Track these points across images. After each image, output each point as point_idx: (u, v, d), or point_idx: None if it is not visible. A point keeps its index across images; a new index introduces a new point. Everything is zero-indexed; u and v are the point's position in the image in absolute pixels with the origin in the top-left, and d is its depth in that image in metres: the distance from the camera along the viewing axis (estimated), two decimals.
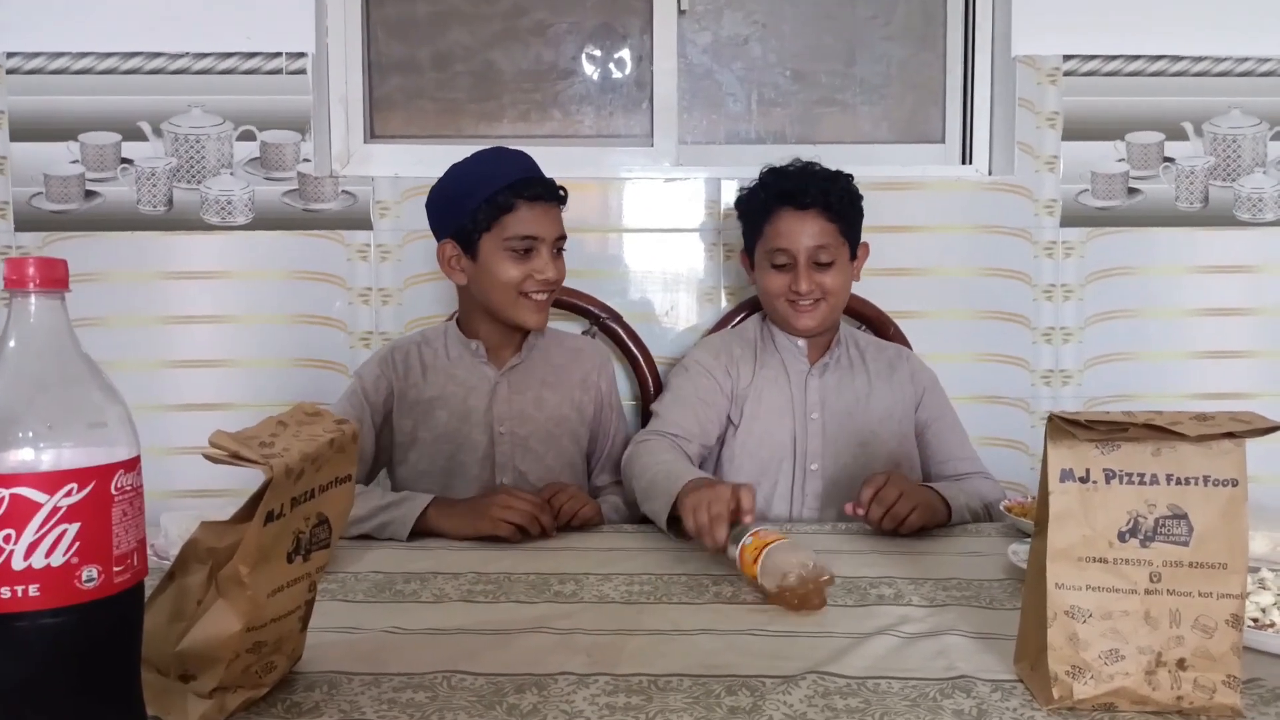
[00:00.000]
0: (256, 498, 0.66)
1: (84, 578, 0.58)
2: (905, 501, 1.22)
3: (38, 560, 0.57)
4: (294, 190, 1.81)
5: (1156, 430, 0.70)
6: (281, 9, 1.78)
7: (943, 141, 1.97)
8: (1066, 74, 1.83)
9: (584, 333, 1.77)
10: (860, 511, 1.23)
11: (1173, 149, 1.85)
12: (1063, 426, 0.72)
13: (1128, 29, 1.82)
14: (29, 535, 0.56)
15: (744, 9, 1.97)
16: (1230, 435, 0.71)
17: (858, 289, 1.60)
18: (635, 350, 1.79)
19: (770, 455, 1.49)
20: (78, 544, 0.58)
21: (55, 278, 0.60)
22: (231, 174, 1.80)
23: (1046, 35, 1.83)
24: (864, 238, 1.56)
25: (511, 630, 0.90)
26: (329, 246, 1.82)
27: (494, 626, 0.91)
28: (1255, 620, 0.85)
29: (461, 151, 1.45)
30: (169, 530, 1.13)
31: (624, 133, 1.97)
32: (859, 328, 1.73)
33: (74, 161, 1.79)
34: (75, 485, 0.58)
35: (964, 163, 1.95)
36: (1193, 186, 1.85)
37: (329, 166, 1.85)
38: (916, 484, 1.31)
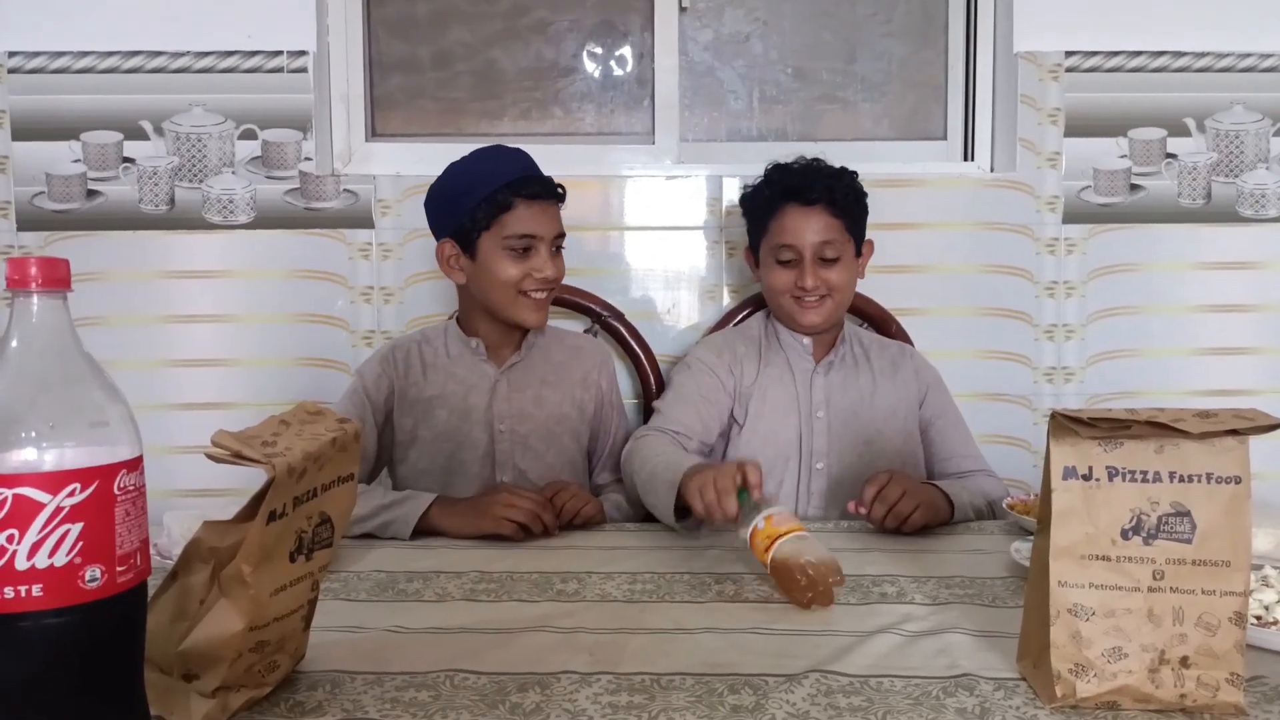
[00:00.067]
0: (259, 497, 0.66)
1: (87, 577, 0.58)
2: (908, 500, 1.22)
3: (41, 560, 0.57)
4: (295, 189, 1.81)
5: (1159, 427, 0.70)
6: (282, 8, 1.78)
7: (944, 138, 1.97)
8: (1068, 70, 1.83)
9: (586, 331, 1.77)
10: (863, 510, 1.23)
11: (1175, 145, 1.84)
12: (1065, 424, 0.72)
13: (1130, 25, 1.82)
14: (32, 535, 0.56)
15: (745, 6, 1.97)
16: (1233, 432, 0.70)
17: (860, 286, 1.60)
18: (637, 348, 1.79)
19: (775, 454, 1.49)
20: (81, 544, 0.58)
21: (57, 277, 0.60)
22: (233, 173, 1.80)
23: (1048, 31, 1.82)
24: (867, 235, 1.56)
25: (514, 629, 0.90)
26: (330, 245, 1.82)
27: (497, 625, 0.91)
28: (1259, 618, 0.85)
29: (463, 150, 1.45)
30: (172, 529, 1.13)
31: (625, 130, 1.97)
32: (861, 325, 1.73)
33: (76, 161, 1.79)
34: (78, 485, 0.58)
35: (966, 159, 1.95)
36: (1195, 183, 1.85)
37: (330, 165, 1.85)
38: (919, 482, 1.31)
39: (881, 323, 1.77)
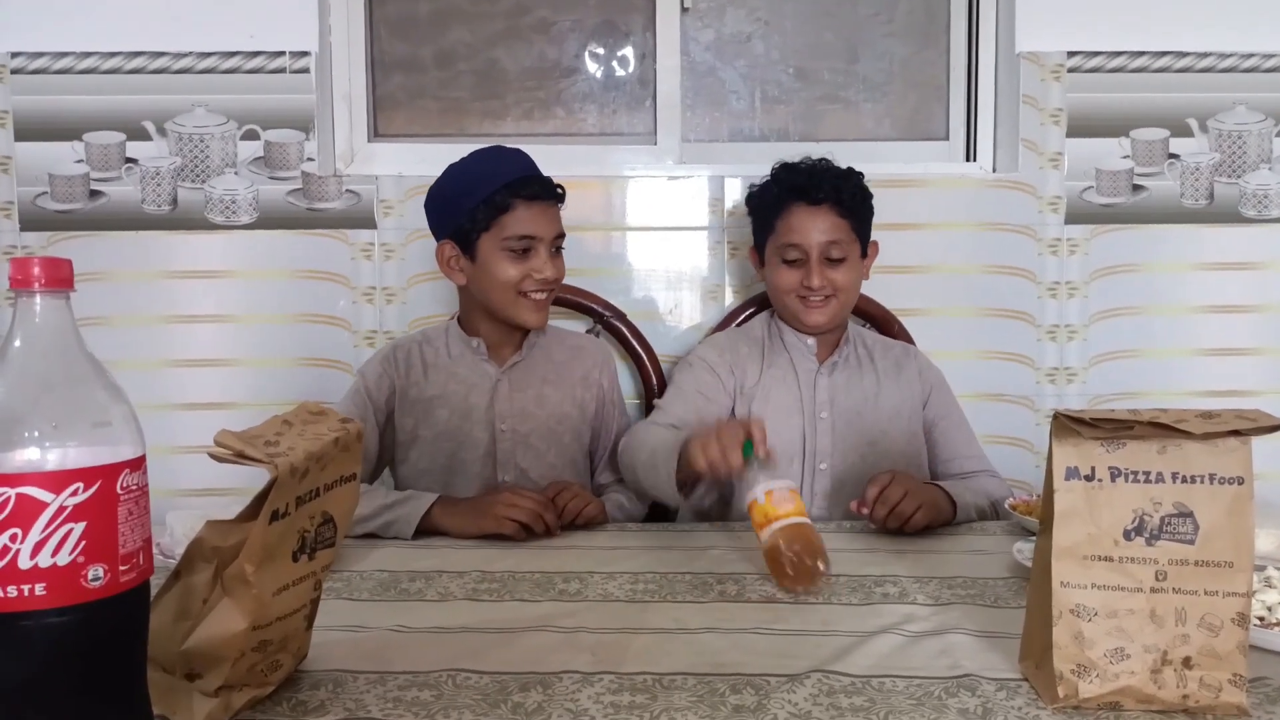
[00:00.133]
0: (261, 497, 0.66)
1: (90, 577, 0.58)
2: (910, 500, 1.22)
3: (44, 559, 0.57)
4: (298, 189, 1.81)
5: (1162, 428, 0.70)
6: (284, 8, 1.78)
7: (946, 139, 1.97)
8: (1071, 70, 1.83)
9: (588, 331, 1.77)
10: (865, 510, 1.23)
11: (1178, 145, 1.84)
12: (1068, 424, 0.72)
13: (1132, 25, 1.82)
14: (35, 534, 0.56)
15: (746, 6, 1.97)
16: (1236, 433, 0.70)
17: (863, 287, 1.59)
18: (639, 349, 1.79)
19: (779, 454, 1.49)
20: (83, 543, 0.58)
21: (60, 277, 0.60)
22: (235, 173, 1.80)
23: (1050, 31, 1.82)
24: (871, 235, 1.56)
25: (516, 629, 0.90)
26: (333, 245, 1.82)
27: (499, 625, 0.91)
28: (1261, 619, 0.85)
29: (465, 149, 1.45)
30: (175, 529, 1.13)
31: (627, 131, 1.97)
32: (863, 325, 1.73)
33: (79, 161, 1.79)
34: (81, 484, 0.58)
35: (968, 160, 1.94)
36: (1198, 183, 1.85)
37: (333, 165, 1.85)
38: (922, 482, 1.31)
39: (884, 323, 1.77)
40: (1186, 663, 0.71)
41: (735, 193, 1.83)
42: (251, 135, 1.80)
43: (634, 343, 1.79)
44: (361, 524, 1.23)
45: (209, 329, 1.82)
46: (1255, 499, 0.71)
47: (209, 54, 1.78)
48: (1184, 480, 0.72)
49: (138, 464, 0.61)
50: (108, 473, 0.59)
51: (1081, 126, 1.83)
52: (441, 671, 0.79)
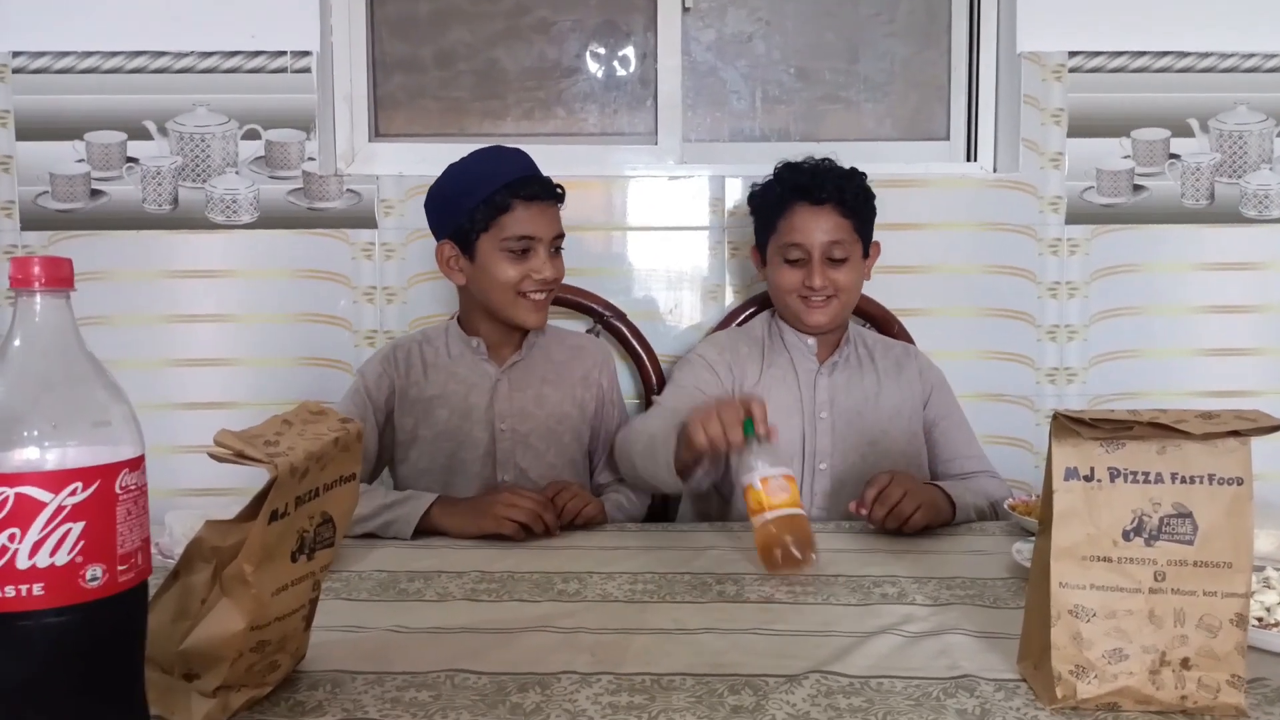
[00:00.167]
0: (261, 496, 0.66)
1: (88, 577, 0.58)
2: (909, 500, 1.22)
3: (42, 559, 0.57)
4: (299, 189, 1.81)
5: (1161, 428, 0.70)
6: (285, 8, 1.78)
7: (947, 139, 1.97)
8: (1072, 70, 1.83)
9: (588, 331, 1.77)
10: (863, 511, 1.23)
11: (1178, 145, 1.84)
12: (1067, 425, 0.72)
13: (1133, 25, 1.82)
14: (33, 534, 0.57)
15: (748, 6, 1.97)
16: (1236, 433, 0.70)
17: (863, 287, 1.59)
18: (639, 349, 1.79)
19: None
20: (82, 543, 0.58)
21: (60, 277, 0.61)
22: (236, 173, 1.81)
23: (1051, 31, 1.82)
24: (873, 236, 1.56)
25: (515, 629, 0.90)
26: (333, 245, 1.82)
27: (497, 625, 0.91)
28: (1260, 619, 0.85)
29: (465, 149, 1.45)
30: (174, 529, 1.13)
31: (628, 130, 1.97)
32: (863, 325, 1.73)
33: (79, 161, 1.79)
34: (80, 484, 0.58)
35: (969, 160, 1.94)
36: (1198, 183, 1.85)
37: (333, 165, 1.85)
38: (921, 483, 1.31)
39: (884, 323, 1.77)
40: (1185, 663, 0.71)
41: (736, 193, 1.83)
42: (252, 135, 1.80)
43: (634, 343, 1.79)
44: (361, 524, 1.23)
45: (209, 328, 1.83)
46: (1254, 500, 0.71)
47: (210, 53, 1.79)
48: (1183, 481, 0.72)
49: (137, 464, 0.61)
50: (106, 472, 0.59)
51: (1082, 126, 1.83)
52: (440, 672, 0.79)
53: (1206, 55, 1.83)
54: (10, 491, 0.56)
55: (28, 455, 0.57)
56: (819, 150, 1.56)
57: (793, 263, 1.49)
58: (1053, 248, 1.85)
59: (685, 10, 1.92)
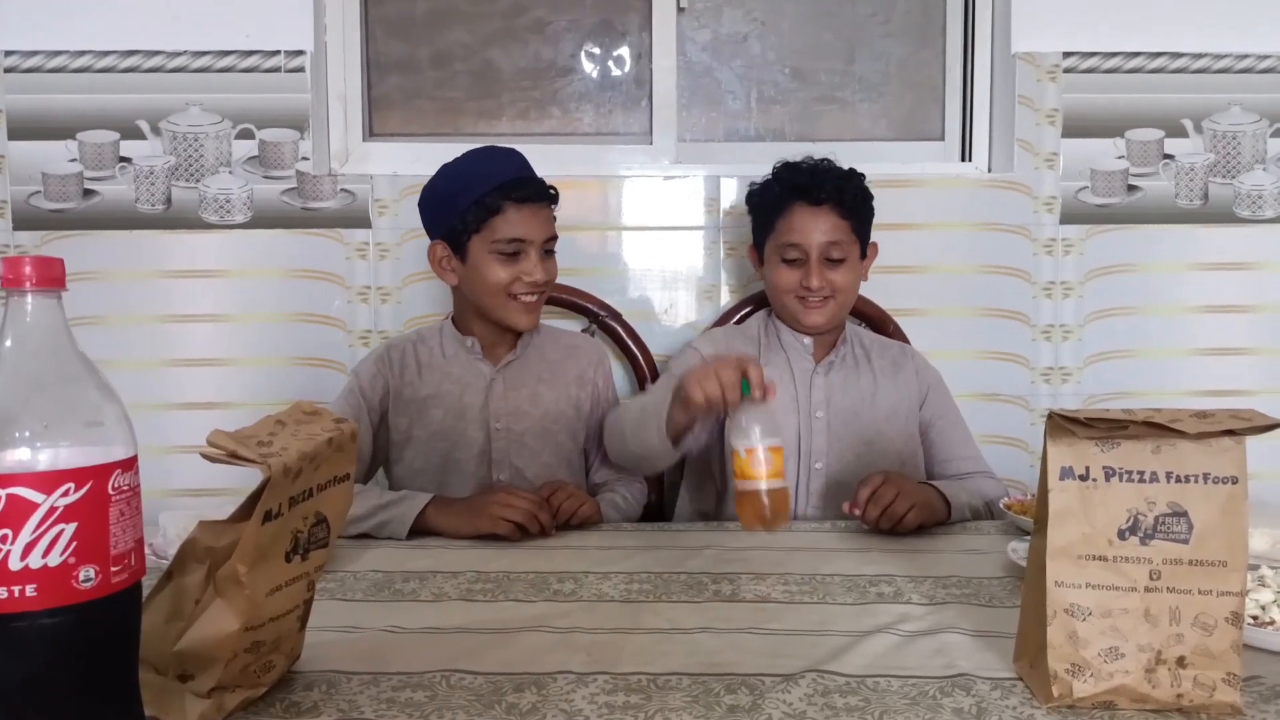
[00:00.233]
0: (254, 497, 0.66)
1: (81, 578, 0.58)
2: (902, 500, 1.22)
3: (35, 560, 0.56)
4: (292, 189, 1.81)
5: (1156, 428, 0.70)
6: (280, 7, 1.78)
7: (942, 139, 1.97)
8: (1066, 71, 1.83)
9: (583, 330, 1.77)
10: (857, 511, 1.23)
11: (1172, 146, 1.85)
12: (1062, 424, 0.72)
13: (1127, 26, 1.82)
14: (26, 535, 0.56)
15: (743, 6, 1.97)
16: (1230, 433, 0.70)
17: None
18: (634, 348, 1.79)
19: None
20: (75, 544, 0.57)
21: (51, 277, 0.60)
22: (230, 172, 1.80)
23: (1046, 32, 1.82)
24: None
25: (510, 629, 0.90)
26: (327, 245, 1.82)
27: (493, 625, 0.91)
28: (1255, 618, 0.85)
29: (460, 149, 1.44)
30: (167, 529, 1.13)
31: (623, 130, 1.97)
32: (858, 325, 1.73)
33: (72, 160, 1.79)
34: (72, 485, 0.57)
35: (963, 160, 1.95)
36: (1192, 183, 1.85)
37: (327, 165, 1.85)
38: (915, 482, 1.31)
39: (879, 323, 1.77)
40: (1180, 662, 0.71)
41: (731, 193, 1.83)
42: (246, 134, 1.80)
43: (629, 342, 1.78)
44: (356, 524, 1.22)
45: (203, 328, 1.82)
46: (1249, 498, 0.71)
47: (204, 53, 1.78)
48: (1178, 480, 0.72)
49: (129, 464, 0.61)
50: (99, 473, 0.59)
51: (1077, 127, 1.84)
52: (436, 672, 0.79)
53: (1200, 56, 1.83)
54: (2, 492, 0.56)
55: (19, 456, 0.57)
56: (814, 150, 1.57)
57: (790, 263, 1.49)
58: (1047, 248, 1.85)
59: (680, 10, 1.92)
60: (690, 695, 0.75)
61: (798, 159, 1.54)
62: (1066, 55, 1.83)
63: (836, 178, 1.49)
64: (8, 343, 0.59)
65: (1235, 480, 0.71)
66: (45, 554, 0.57)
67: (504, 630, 0.89)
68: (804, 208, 1.48)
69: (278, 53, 1.79)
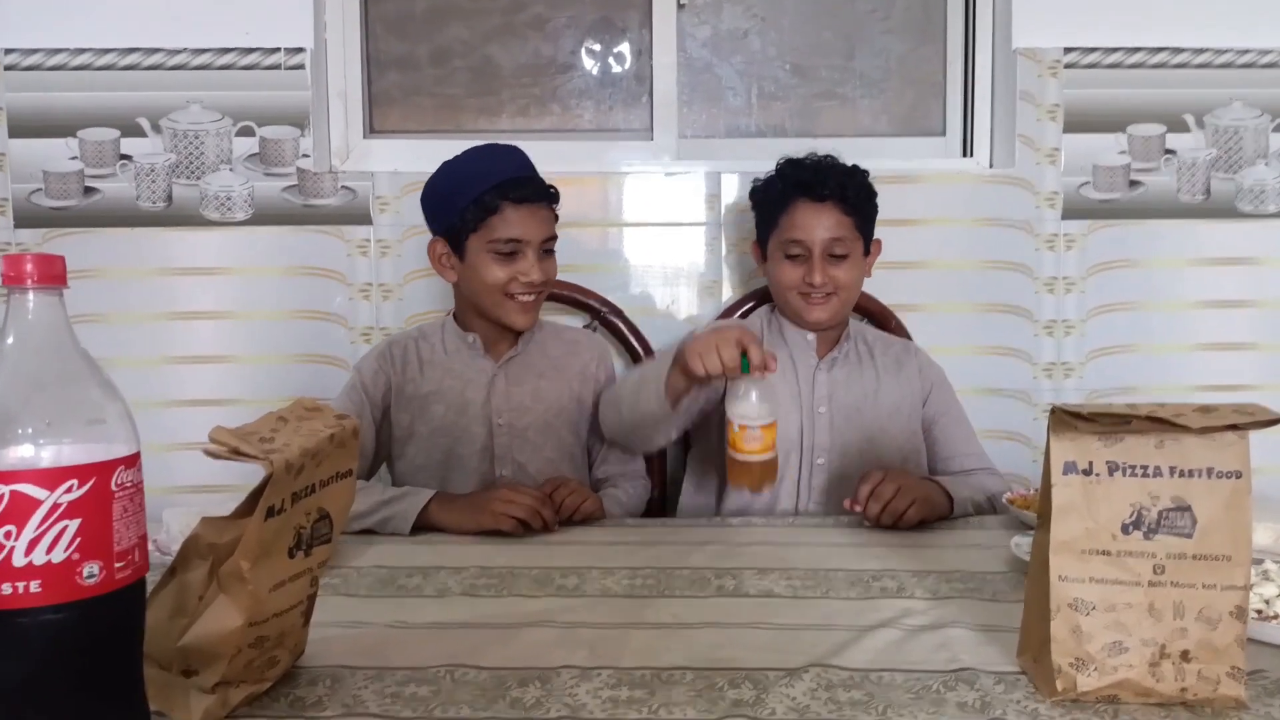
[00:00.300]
0: (257, 493, 0.66)
1: (85, 574, 0.58)
2: (903, 496, 1.22)
3: (38, 557, 0.56)
4: (293, 186, 1.81)
5: (1160, 423, 0.70)
6: (280, 5, 1.78)
7: (943, 134, 1.97)
8: (1067, 66, 1.83)
9: (585, 327, 1.77)
10: (858, 508, 1.23)
11: (1174, 141, 1.84)
12: (1065, 419, 0.72)
13: (1129, 21, 1.82)
14: (29, 532, 0.56)
15: (743, 3, 1.96)
16: (1234, 427, 0.70)
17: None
18: (636, 345, 1.78)
19: (777, 448, 1.49)
20: (78, 540, 0.58)
21: (53, 274, 0.60)
22: (231, 170, 1.80)
23: (1047, 27, 1.82)
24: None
25: (514, 624, 0.90)
26: (328, 242, 1.82)
27: (497, 621, 0.91)
28: (1259, 612, 0.85)
29: (461, 146, 1.44)
30: (171, 526, 1.13)
31: (623, 127, 1.97)
32: (860, 321, 1.73)
33: (73, 158, 1.78)
34: (75, 482, 0.57)
35: (965, 156, 1.94)
36: (1194, 178, 1.85)
37: (328, 162, 1.85)
38: (916, 478, 1.31)
39: (881, 318, 1.77)
40: (1184, 656, 0.71)
41: (732, 189, 1.83)
42: (247, 132, 1.80)
43: (631, 339, 1.78)
44: (358, 520, 1.23)
45: (204, 326, 1.82)
46: (1253, 493, 0.71)
47: (204, 50, 1.78)
48: (1182, 474, 0.72)
49: (132, 461, 0.61)
50: (102, 470, 0.59)
51: (1078, 122, 1.83)
52: (440, 667, 0.79)
53: (1202, 51, 1.83)
54: (6, 489, 0.56)
55: (22, 453, 0.57)
56: (815, 146, 1.56)
57: (793, 259, 1.49)
58: (1049, 243, 1.85)
59: (680, 7, 1.92)
60: (694, 690, 0.75)
61: (802, 155, 1.54)
62: (1068, 50, 1.82)
63: (840, 174, 1.49)
64: (10, 340, 0.59)
65: (1239, 475, 0.71)
66: (49, 550, 0.57)
67: (508, 625, 0.90)
68: (807, 204, 1.48)
69: (278, 50, 1.79)
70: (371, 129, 1.94)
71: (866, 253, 1.54)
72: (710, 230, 1.85)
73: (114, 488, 0.59)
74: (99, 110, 1.78)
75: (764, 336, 1.56)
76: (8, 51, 1.76)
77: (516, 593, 1.00)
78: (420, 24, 1.95)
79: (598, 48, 1.96)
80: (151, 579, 0.65)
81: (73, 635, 0.58)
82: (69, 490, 0.57)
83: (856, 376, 1.53)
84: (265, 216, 1.80)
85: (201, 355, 1.82)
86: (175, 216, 1.80)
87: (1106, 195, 1.85)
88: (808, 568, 1.07)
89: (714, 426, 1.50)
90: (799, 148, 1.57)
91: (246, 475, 0.64)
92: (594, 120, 1.97)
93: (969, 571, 1.06)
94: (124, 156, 1.79)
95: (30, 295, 0.60)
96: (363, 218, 1.82)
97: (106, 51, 1.77)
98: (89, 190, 1.79)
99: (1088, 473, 0.73)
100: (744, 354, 1.15)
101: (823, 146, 1.56)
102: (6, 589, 0.56)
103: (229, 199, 1.80)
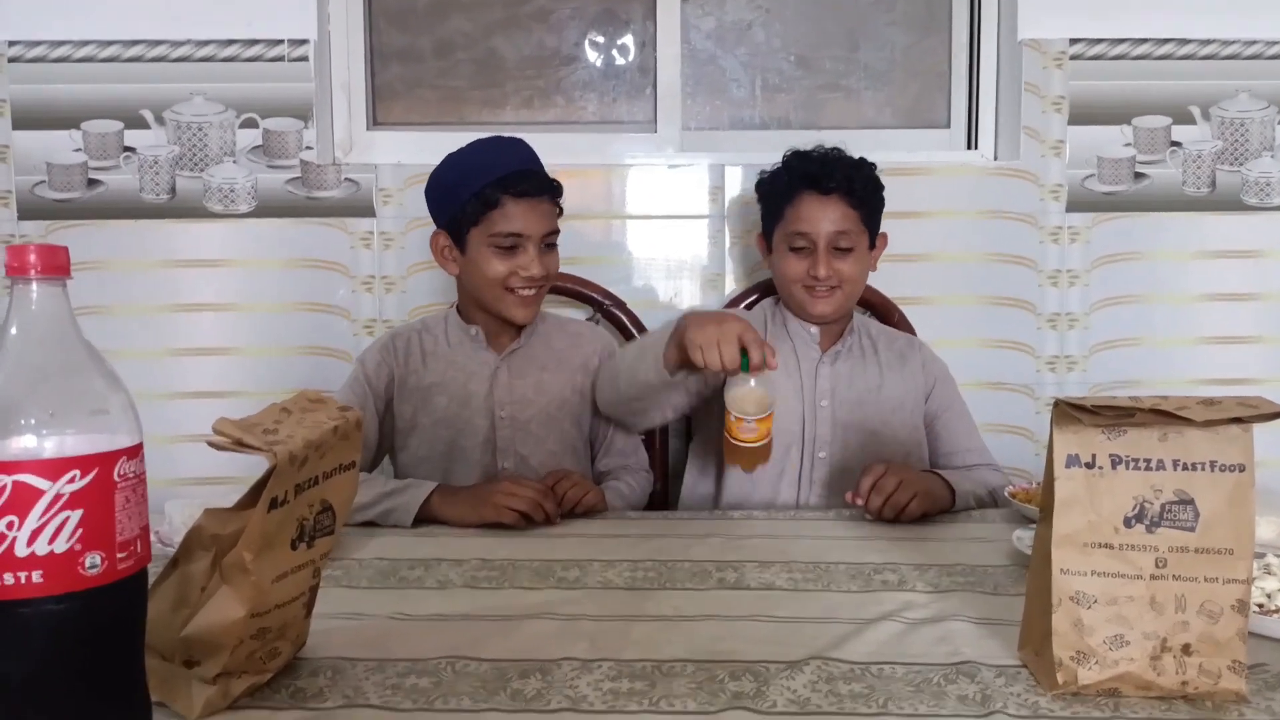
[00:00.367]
0: (260, 484, 0.66)
1: (87, 564, 0.58)
2: (904, 489, 1.22)
3: (41, 547, 0.57)
4: (297, 178, 1.81)
5: (1163, 415, 0.70)
6: None
7: (948, 126, 1.96)
8: (1073, 58, 1.82)
9: (588, 319, 1.77)
10: (859, 501, 1.23)
11: (1180, 133, 1.83)
12: (1069, 412, 0.72)
13: (1134, 12, 1.80)
14: (32, 522, 0.56)
15: None
16: (1237, 420, 0.70)
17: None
18: (639, 337, 1.78)
19: (778, 441, 1.49)
20: (81, 531, 0.58)
21: (56, 265, 0.60)
22: (234, 162, 1.80)
23: (1053, 18, 1.81)
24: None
25: (515, 616, 0.90)
26: (332, 234, 1.82)
27: (498, 613, 0.91)
28: (1261, 606, 0.85)
29: (464, 138, 1.44)
30: (174, 517, 1.13)
31: (627, 119, 1.96)
32: (863, 313, 1.73)
33: (76, 150, 1.79)
34: (78, 472, 0.58)
35: (969, 148, 1.94)
36: (1200, 171, 1.84)
37: (331, 154, 1.85)
38: (918, 471, 1.31)
39: (884, 311, 1.76)
40: (1186, 649, 0.71)
41: (736, 181, 1.83)
42: (250, 124, 1.79)
43: (634, 331, 1.78)
44: (361, 512, 1.23)
45: (208, 317, 1.82)
46: (1256, 487, 0.71)
47: (207, 42, 1.78)
48: (1185, 467, 0.72)
49: (135, 452, 0.61)
50: (104, 460, 0.59)
51: (1083, 114, 1.82)
52: (441, 659, 0.79)
53: (1208, 42, 1.82)
54: (8, 480, 0.56)
55: (25, 443, 0.57)
56: (819, 138, 1.56)
57: (798, 251, 1.48)
58: (1054, 236, 1.84)
59: None
60: (694, 682, 0.75)
61: (808, 147, 1.53)
62: (1073, 42, 1.81)
63: (847, 167, 1.49)
64: (13, 331, 0.59)
65: (1242, 468, 0.71)
66: (51, 540, 0.57)
67: (509, 617, 0.90)
68: (813, 197, 1.47)
69: (281, 42, 1.78)
70: (375, 121, 1.94)
71: (872, 246, 1.53)
72: (714, 223, 1.85)
73: (116, 478, 0.60)
74: (103, 102, 1.78)
75: (767, 329, 1.56)
76: (11, 44, 1.76)
77: (517, 585, 1.00)
78: (424, 16, 1.94)
79: (601, 40, 1.96)
80: (154, 571, 0.65)
81: (74, 626, 0.58)
82: (71, 481, 0.57)
83: (860, 370, 1.53)
84: (268, 208, 1.81)
85: (205, 347, 1.82)
86: (179, 208, 1.80)
87: (1111, 187, 1.84)
88: (809, 561, 1.07)
89: (715, 414, 1.50)
90: (803, 140, 1.56)
91: (249, 467, 0.64)
92: (598, 112, 1.97)
93: (970, 565, 1.06)
94: (127, 148, 1.79)
95: (34, 286, 0.60)
96: (366, 210, 1.82)
97: (110, 44, 1.77)
98: (93, 182, 1.79)
99: (1090, 466, 0.73)
100: (744, 352, 1.15)
101: (827, 139, 1.55)
102: (9, 579, 0.56)
103: (232, 191, 1.80)
